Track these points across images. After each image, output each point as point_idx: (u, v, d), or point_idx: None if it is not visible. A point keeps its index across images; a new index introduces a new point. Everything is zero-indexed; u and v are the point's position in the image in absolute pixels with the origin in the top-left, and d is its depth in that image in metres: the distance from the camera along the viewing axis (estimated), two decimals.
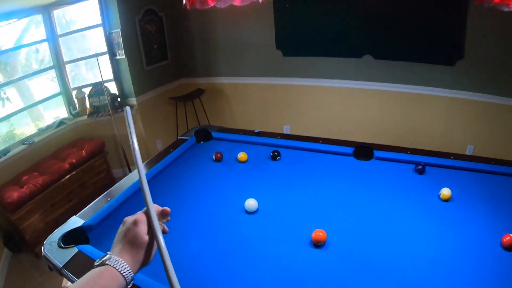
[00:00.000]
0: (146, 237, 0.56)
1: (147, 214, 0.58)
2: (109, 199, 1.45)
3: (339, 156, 1.81)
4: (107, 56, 3.67)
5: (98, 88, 3.79)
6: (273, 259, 1.10)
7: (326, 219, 1.28)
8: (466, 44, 2.87)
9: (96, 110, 3.73)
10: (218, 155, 1.77)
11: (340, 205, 1.37)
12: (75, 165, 3.11)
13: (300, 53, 3.61)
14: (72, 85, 3.86)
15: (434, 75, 3.15)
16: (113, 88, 3.87)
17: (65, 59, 3.65)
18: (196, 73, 4.19)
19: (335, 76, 3.61)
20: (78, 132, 3.64)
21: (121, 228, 0.59)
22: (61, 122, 3.68)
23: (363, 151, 1.78)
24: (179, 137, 2.12)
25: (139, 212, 0.60)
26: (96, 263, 0.54)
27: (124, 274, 0.52)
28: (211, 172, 1.69)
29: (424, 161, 1.61)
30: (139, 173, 0.60)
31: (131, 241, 0.56)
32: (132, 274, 0.54)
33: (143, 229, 0.57)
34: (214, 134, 2.11)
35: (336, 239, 1.16)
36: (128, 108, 0.73)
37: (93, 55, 3.51)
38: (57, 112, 3.80)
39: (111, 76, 3.84)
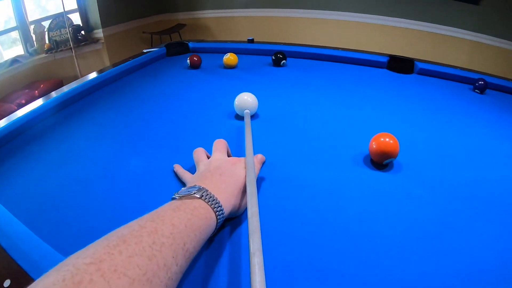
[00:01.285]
0: (244, 180, 0.45)
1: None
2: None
3: (367, 67, 1.31)
4: None
5: (59, 21, 3.17)
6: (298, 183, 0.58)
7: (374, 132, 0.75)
8: None
9: (55, 46, 3.12)
10: (195, 58, 1.23)
11: (388, 119, 0.87)
12: (24, 106, 2.54)
13: None
14: (30, 18, 3.22)
15: (456, 13, 2.64)
16: (77, 19, 3.24)
17: None
18: (176, 7, 3.55)
19: (340, 7, 3.04)
20: (35, 72, 3.04)
21: (210, 163, 0.48)
22: (15, 61, 3.07)
23: (400, 63, 1.28)
24: (143, 50, 1.56)
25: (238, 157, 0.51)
26: (180, 194, 0.38)
27: (218, 218, 0.38)
28: (184, 79, 1.16)
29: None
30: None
31: (229, 180, 0.44)
32: (223, 219, 0.39)
33: (244, 172, 0.46)
34: (192, 45, 1.56)
35: (405, 158, 0.66)
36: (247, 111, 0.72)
37: None
38: (14, 52, 3.17)
39: (75, 6, 3.21)
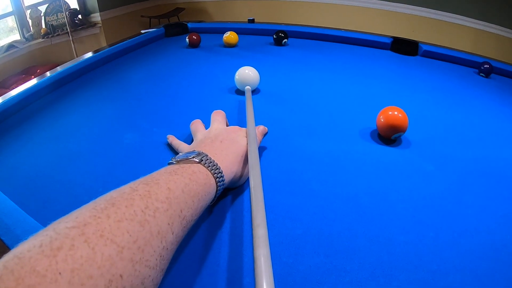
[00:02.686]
0: (245, 148, 0.42)
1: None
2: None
3: (370, 48, 1.27)
4: None
5: (56, 5, 3.09)
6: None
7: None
8: None
9: (52, 30, 3.05)
10: (194, 36, 1.19)
11: (393, 97, 0.83)
12: None
13: None
14: (26, 3, 3.15)
15: (460, 0, 2.56)
16: (74, 3, 3.16)
17: None
18: None
19: None
20: (31, 57, 2.99)
21: (210, 132, 0.45)
22: (11, 46, 3.01)
23: (404, 45, 1.24)
24: (141, 31, 1.51)
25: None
26: (178, 158, 0.34)
27: (218, 185, 0.34)
28: (183, 57, 1.12)
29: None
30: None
31: (230, 147, 0.40)
32: (223, 187, 0.36)
33: (245, 140, 0.43)
34: (191, 25, 1.51)
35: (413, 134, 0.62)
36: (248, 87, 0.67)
37: None
38: (11, 40, 3.11)
39: None
